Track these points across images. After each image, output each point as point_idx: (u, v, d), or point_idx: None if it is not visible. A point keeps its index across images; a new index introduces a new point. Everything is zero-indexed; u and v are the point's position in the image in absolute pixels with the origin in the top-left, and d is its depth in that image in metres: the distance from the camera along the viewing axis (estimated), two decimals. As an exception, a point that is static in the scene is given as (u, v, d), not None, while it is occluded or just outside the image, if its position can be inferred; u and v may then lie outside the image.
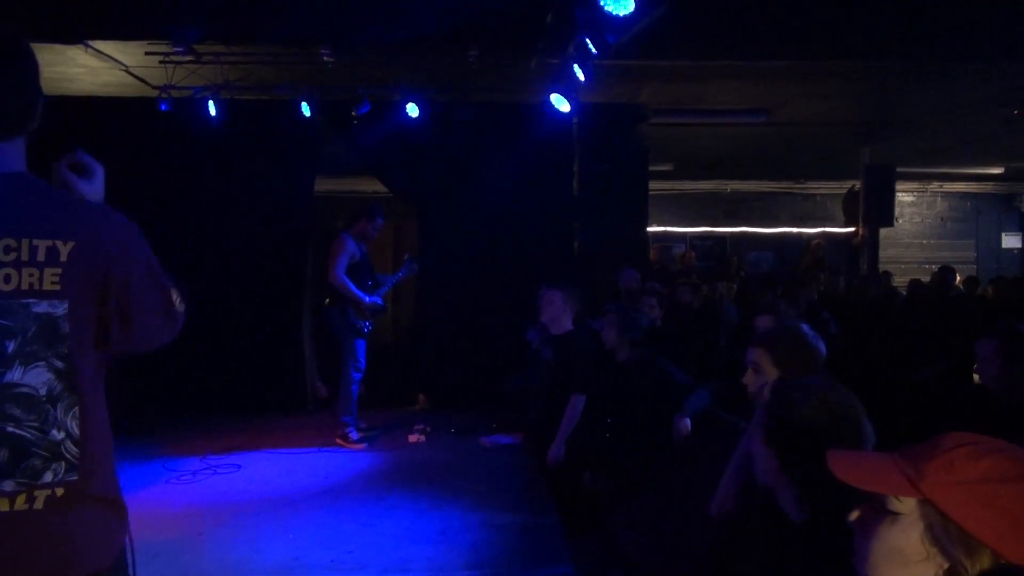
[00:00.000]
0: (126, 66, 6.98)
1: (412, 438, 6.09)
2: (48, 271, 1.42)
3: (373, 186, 9.10)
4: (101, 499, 1.53)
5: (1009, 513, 0.89)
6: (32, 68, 1.50)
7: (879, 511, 1.00)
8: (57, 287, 1.42)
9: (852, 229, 11.92)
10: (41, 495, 1.43)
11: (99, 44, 6.41)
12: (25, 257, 1.40)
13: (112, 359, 1.59)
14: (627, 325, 4.32)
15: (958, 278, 11.58)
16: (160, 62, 6.62)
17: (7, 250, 1.39)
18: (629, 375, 4.25)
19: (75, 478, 1.47)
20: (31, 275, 1.40)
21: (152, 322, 1.62)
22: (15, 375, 1.40)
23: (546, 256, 7.37)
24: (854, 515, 1.05)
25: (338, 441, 5.90)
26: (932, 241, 15.10)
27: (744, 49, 6.47)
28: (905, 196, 14.64)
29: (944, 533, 0.92)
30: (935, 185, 14.78)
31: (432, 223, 7.53)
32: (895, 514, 0.97)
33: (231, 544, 3.93)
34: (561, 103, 6.26)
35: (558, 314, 4.66)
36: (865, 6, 6.22)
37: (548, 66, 6.42)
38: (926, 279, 10.33)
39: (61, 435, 1.45)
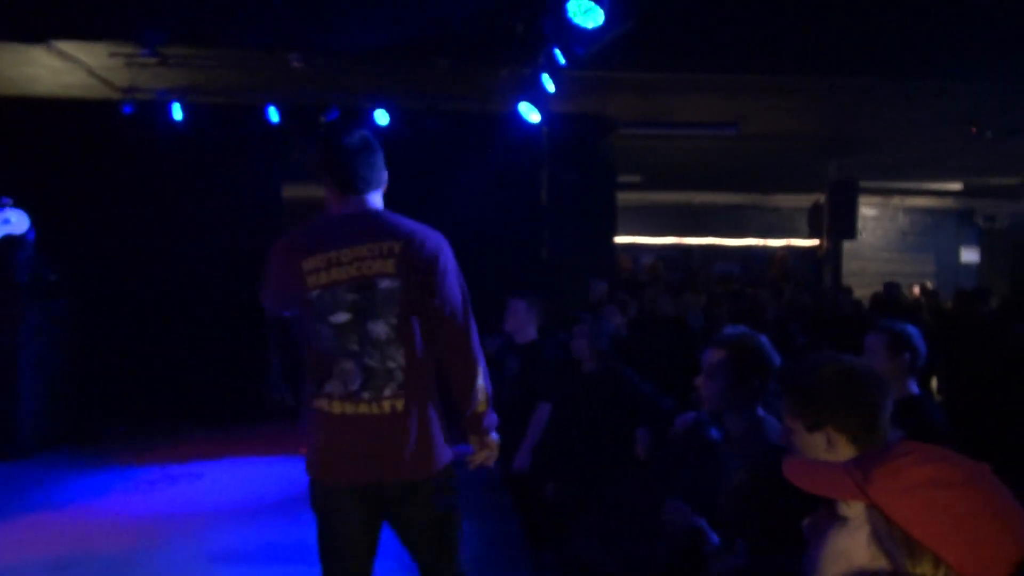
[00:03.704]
0: (90, 67, 6.86)
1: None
2: (391, 260, 2.24)
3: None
4: (425, 417, 2.27)
5: (949, 517, 0.90)
6: None
7: (830, 517, 1.02)
8: (393, 271, 2.24)
9: (816, 242, 12.12)
10: (387, 404, 2.22)
11: (62, 44, 6.29)
12: (380, 253, 2.24)
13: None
14: (597, 335, 4.32)
15: (916, 290, 11.84)
16: (125, 64, 6.53)
17: (370, 249, 2.24)
18: (594, 386, 4.25)
19: (403, 395, 2.23)
20: (384, 264, 2.24)
21: (452, 296, 2.33)
22: (371, 326, 2.22)
23: (514, 265, 7.38)
24: (807, 521, 1.07)
25: (303, 450, 5.82)
26: (893, 254, 15.41)
27: (713, 63, 6.56)
28: (868, 210, 14.93)
29: (888, 536, 0.94)
30: (897, 200, 15.09)
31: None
32: (844, 519, 0.99)
33: (189, 556, 3.86)
34: (530, 113, 6.29)
35: (522, 323, 4.66)
36: (831, 24, 6.34)
37: (518, 76, 6.45)
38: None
39: (393, 365, 2.23)
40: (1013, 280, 14.60)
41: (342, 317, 2.22)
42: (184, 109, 6.88)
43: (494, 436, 2.47)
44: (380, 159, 2.39)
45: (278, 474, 5.37)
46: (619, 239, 11.52)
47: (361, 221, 2.29)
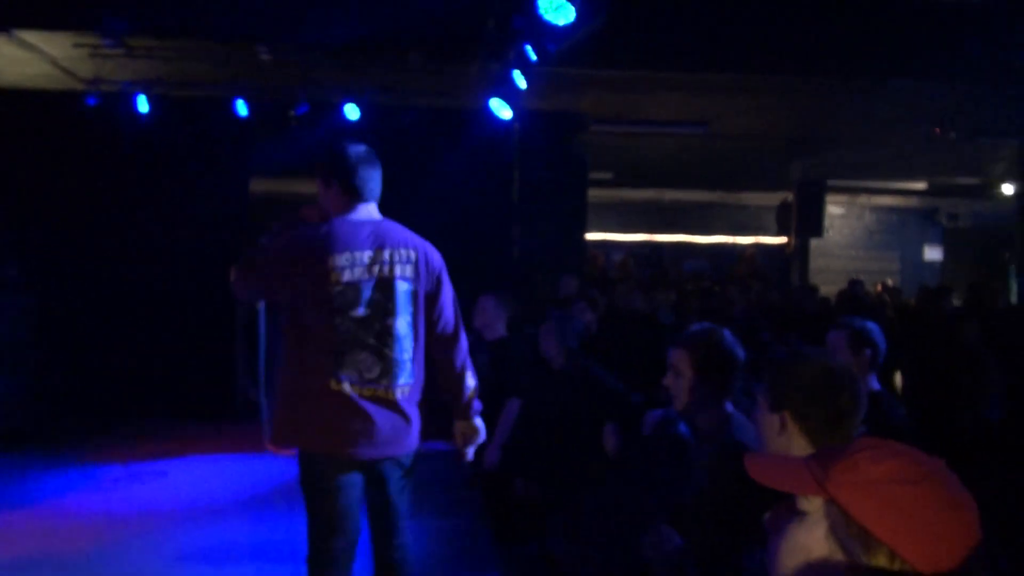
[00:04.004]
0: (53, 57, 6.72)
1: (346, 444, 5.99)
2: (409, 266, 2.58)
3: (313, 188, 8.97)
4: (418, 402, 2.63)
5: (905, 512, 0.92)
6: None
7: (790, 511, 1.03)
8: (411, 275, 2.58)
9: (784, 240, 12.27)
10: (399, 391, 2.53)
11: (25, 34, 6.14)
12: (399, 258, 2.56)
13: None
14: (565, 333, 4.34)
15: (879, 288, 12.05)
16: (89, 54, 6.39)
17: (390, 254, 2.55)
18: (563, 383, 4.26)
19: (411, 383, 2.57)
20: (403, 268, 2.57)
21: (452, 301, 2.73)
22: (394, 322, 2.51)
23: (485, 262, 7.36)
24: (767, 515, 1.08)
25: (270, 447, 5.77)
26: (859, 252, 15.65)
27: (682, 61, 6.60)
28: (835, 208, 15.14)
29: (845, 530, 0.95)
30: (863, 198, 15.33)
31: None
32: (803, 513, 1.00)
33: (152, 555, 3.81)
34: (502, 109, 6.28)
35: (491, 320, 4.67)
36: (800, 25, 6.42)
37: (489, 72, 6.43)
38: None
39: (406, 358, 2.55)
40: (974, 277, 14.91)
41: (362, 312, 2.47)
42: (150, 101, 6.77)
43: (480, 420, 2.83)
44: (380, 173, 2.73)
45: (242, 472, 5.31)
46: (590, 236, 11.57)
47: (379, 228, 2.60)
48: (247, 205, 7.30)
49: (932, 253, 15.96)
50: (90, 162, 6.92)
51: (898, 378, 7.46)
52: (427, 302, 2.63)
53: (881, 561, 0.93)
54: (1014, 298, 9.76)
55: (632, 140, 9.62)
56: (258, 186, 8.06)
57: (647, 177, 13.05)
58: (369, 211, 2.64)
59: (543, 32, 4.36)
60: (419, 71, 6.66)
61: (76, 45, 6.27)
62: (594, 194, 11.01)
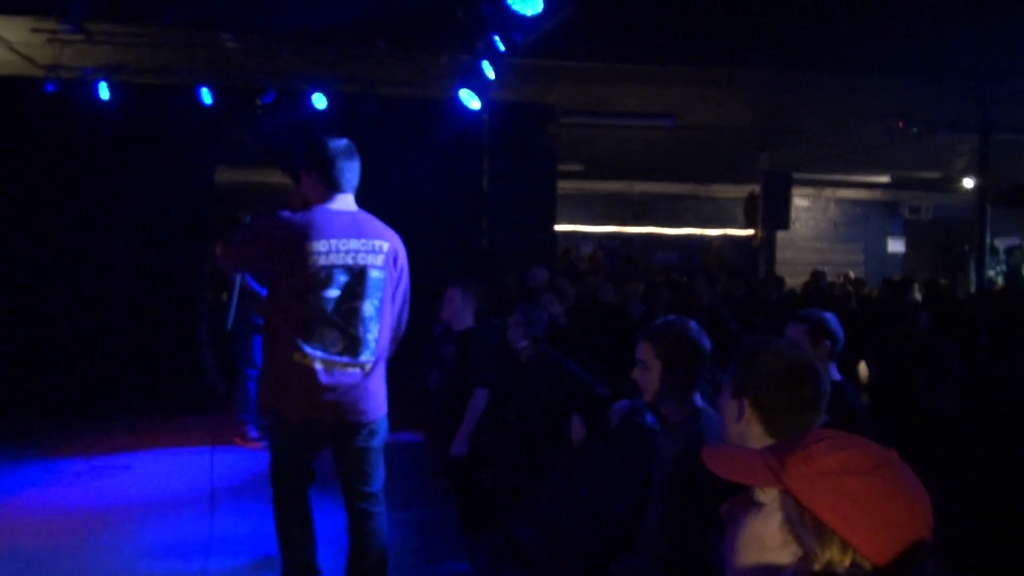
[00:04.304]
0: (10, 43, 6.54)
1: (314, 436, 5.95)
2: (381, 256, 2.87)
3: (281, 178, 8.87)
4: (380, 376, 2.92)
5: (857, 503, 0.94)
6: None
7: (747, 503, 1.04)
8: (381, 264, 2.87)
9: (751, 232, 12.40)
10: (360, 366, 2.81)
11: (-22, 18, 5.99)
12: (372, 249, 2.85)
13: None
14: (532, 324, 4.35)
15: (840, 279, 12.25)
16: (47, 40, 6.24)
17: (364, 244, 2.83)
18: (530, 374, 4.28)
19: (373, 360, 2.86)
20: (375, 258, 2.85)
21: (408, 290, 3.07)
22: (362, 305, 2.80)
23: (454, 253, 7.35)
24: (725, 507, 1.09)
25: (236, 440, 5.72)
26: (825, 244, 15.88)
27: (650, 53, 6.62)
28: (801, 201, 15.33)
29: (800, 521, 0.97)
30: (829, 191, 15.54)
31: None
32: (760, 504, 1.02)
33: (114, 549, 3.75)
34: (471, 100, 6.25)
35: (458, 311, 4.66)
36: (766, 18, 6.46)
37: (458, 62, 6.40)
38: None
39: (370, 337, 2.84)
40: (936, 270, 15.21)
41: (334, 293, 2.76)
42: (111, 89, 6.62)
43: None
44: (359, 165, 2.96)
45: (206, 465, 5.25)
46: (561, 227, 11.59)
47: (356, 219, 2.87)
48: (212, 195, 7.19)
49: (895, 245, 16.24)
50: (49, 151, 6.75)
51: (862, 368, 7.61)
52: (392, 288, 2.94)
53: (834, 551, 0.94)
54: (974, 289, 9.98)
55: (602, 132, 9.64)
56: (224, 176, 7.94)
57: (617, 169, 13.10)
58: (347, 201, 2.89)
59: (511, 22, 4.34)
60: (387, 59, 6.60)
61: (34, 30, 6.11)
62: (564, 186, 11.02)
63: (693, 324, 2.60)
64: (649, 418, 3.36)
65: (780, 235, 12.46)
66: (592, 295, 7.51)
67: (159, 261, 6.88)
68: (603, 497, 3.43)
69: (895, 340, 5.76)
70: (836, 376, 3.07)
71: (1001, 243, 14.88)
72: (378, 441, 2.96)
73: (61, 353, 6.66)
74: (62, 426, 6.05)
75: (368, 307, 2.82)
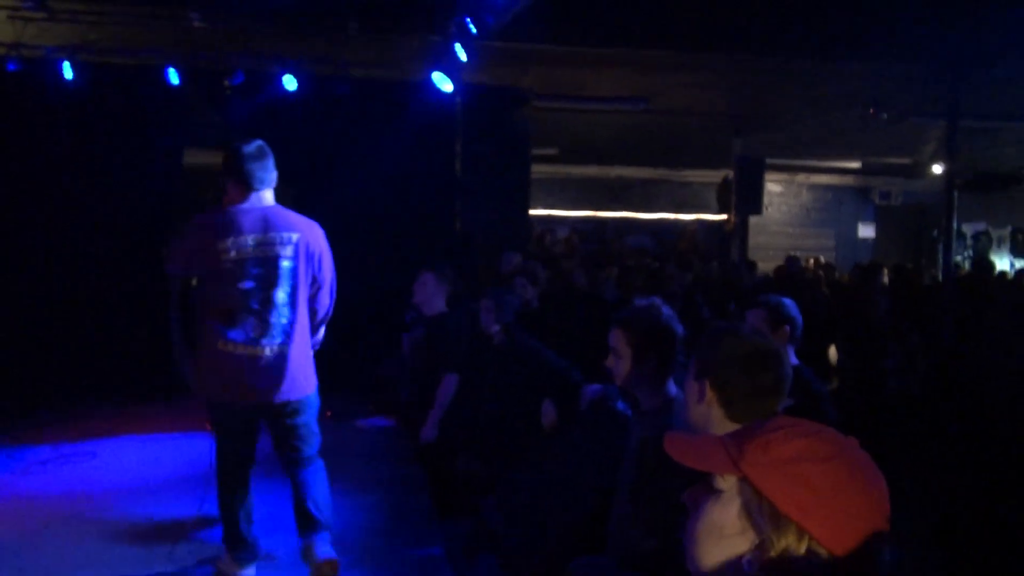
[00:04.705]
0: (-32, 20, 6.37)
1: (286, 422, 5.91)
2: (290, 247, 3.12)
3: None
4: (300, 358, 3.17)
5: (814, 490, 0.94)
6: None
7: (707, 490, 1.04)
8: (291, 254, 3.11)
9: (724, 217, 12.47)
10: (275, 348, 3.08)
11: (-65, -6, 5.82)
12: (281, 240, 3.10)
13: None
14: (503, 309, 4.34)
15: (811, 263, 12.38)
16: (8, 17, 6.07)
17: (274, 237, 3.09)
18: (503, 358, 4.27)
19: (290, 343, 3.11)
20: (284, 249, 3.10)
21: (329, 275, 3.29)
22: (274, 293, 3.06)
23: (428, 237, 7.30)
24: (686, 494, 1.09)
25: (208, 426, 5.66)
26: (797, 229, 16.02)
27: (622, 38, 6.60)
28: (774, 186, 15.44)
29: (757, 508, 0.97)
30: (801, 176, 15.65)
31: (309, 201, 7.25)
32: (719, 491, 1.02)
33: (78, 538, 3.70)
34: (443, 82, 6.20)
35: (430, 296, 4.64)
36: (739, 4, 6.47)
37: (430, 44, 6.34)
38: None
39: (283, 321, 3.09)
40: (905, 255, 15.42)
41: (248, 284, 3.03)
42: (75, 68, 6.47)
43: None
44: (272, 163, 3.17)
45: (173, 452, 5.18)
46: (536, 212, 11.55)
47: (268, 214, 3.13)
48: (180, 177, 7.05)
49: (866, 230, 16.42)
50: (11, 132, 6.58)
51: (832, 352, 7.70)
52: (306, 275, 3.18)
53: (790, 539, 0.94)
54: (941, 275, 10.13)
55: (577, 116, 9.61)
56: (193, 157, 7.79)
57: (593, 153, 13.10)
58: (261, 198, 3.15)
59: (483, 4, 4.30)
60: (359, 41, 6.51)
61: (-7, 7, 5.96)
62: (540, 170, 10.99)
63: (665, 310, 2.59)
64: (620, 404, 3.37)
65: (753, 220, 12.55)
66: (566, 279, 7.50)
67: (126, 246, 6.74)
68: (575, 482, 3.44)
69: (858, 325, 5.84)
70: (794, 360, 3.09)
71: (969, 228, 15.12)
72: (305, 418, 3.24)
73: (25, 340, 6.52)
74: (27, 415, 5.94)
75: (281, 295, 3.09)
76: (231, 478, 3.25)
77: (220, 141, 8.33)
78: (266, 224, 3.09)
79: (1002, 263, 13.81)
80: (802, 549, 0.94)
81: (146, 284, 6.80)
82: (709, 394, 1.80)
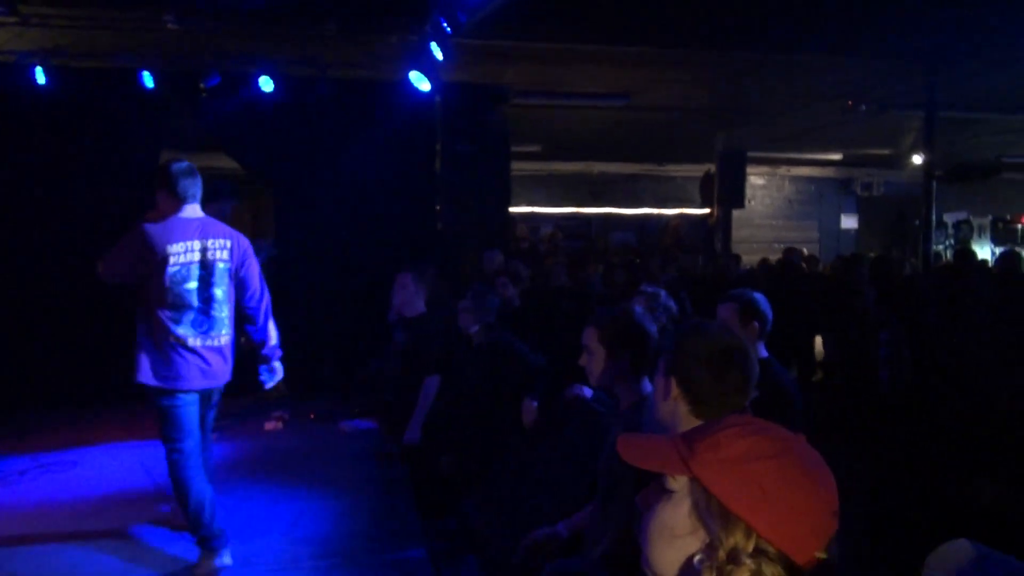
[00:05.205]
0: (-62, 25, 6.29)
1: (269, 426, 5.89)
2: (225, 251, 3.56)
3: (231, 163, 8.69)
4: (228, 347, 3.61)
5: (760, 488, 0.94)
6: None
7: (660, 491, 1.04)
8: (226, 257, 3.57)
9: (708, 210, 12.51)
10: (219, 339, 3.53)
11: (-97, -1, 5.73)
12: (217, 246, 3.54)
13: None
14: (483, 308, 4.33)
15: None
16: (-22, 22, 6.01)
17: (211, 243, 3.52)
18: (483, 358, 4.27)
19: (225, 333, 3.58)
20: (220, 253, 3.54)
21: (257, 275, 3.73)
22: (213, 291, 3.51)
23: (408, 237, 7.27)
24: (639, 495, 1.08)
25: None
26: (780, 222, 16.10)
27: (602, 34, 6.59)
28: (756, 179, 15.51)
29: (707, 508, 0.97)
30: (783, 169, 15.73)
31: (288, 203, 7.25)
32: (671, 492, 1.01)
33: (58, 550, 3.66)
34: (421, 82, 6.18)
35: (410, 297, 4.63)
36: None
37: (408, 43, 6.31)
38: (776, 257, 10.94)
39: (223, 316, 3.56)
40: (887, 245, 15.52)
41: (192, 284, 3.46)
42: (48, 73, 6.39)
43: (280, 364, 3.87)
44: (200, 181, 3.58)
45: (154, 459, 5.12)
46: (519, 209, 11.56)
47: (203, 223, 3.54)
48: (158, 181, 6.98)
49: (848, 222, 16.52)
50: (-16, 137, 6.51)
51: (818, 343, 7.71)
52: (236, 275, 3.62)
53: (739, 537, 0.94)
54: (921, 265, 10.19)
55: (558, 113, 9.61)
56: (170, 160, 7.72)
57: (575, 150, 13.11)
58: (194, 210, 3.54)
59: (456, 3, 4.28)
60: (337, 41, 6.48)
61: (-37, 12, 5.88)
62: (523, 167, 11.00)
63: (638, 308, 2.61)
64: (598, 404, 3.38)
65: (736, 213, 12.60)
66: (548, 278, 7.50)
67: (102, 251, 6.65)
68: (556, 480, 3.44)
69: (844, 316, 5.85)
70: (763, 353, 3.10)
71: (950, 218, 15.23)
72: (219, 397, 3.74)
73: (3, 351, 6.45)
74: (6, 423, 5.88)
75: (219, 292, 3.53)
76: (194, 470, 3.49)
77: (197, 144, 8.34)
78: (204, 232, 3.51)
79: (983, 251, 13.92)
80: (750, 547, 0.94)
81: (124, 289, 6.74)
82: (675, 391, 1.81)
